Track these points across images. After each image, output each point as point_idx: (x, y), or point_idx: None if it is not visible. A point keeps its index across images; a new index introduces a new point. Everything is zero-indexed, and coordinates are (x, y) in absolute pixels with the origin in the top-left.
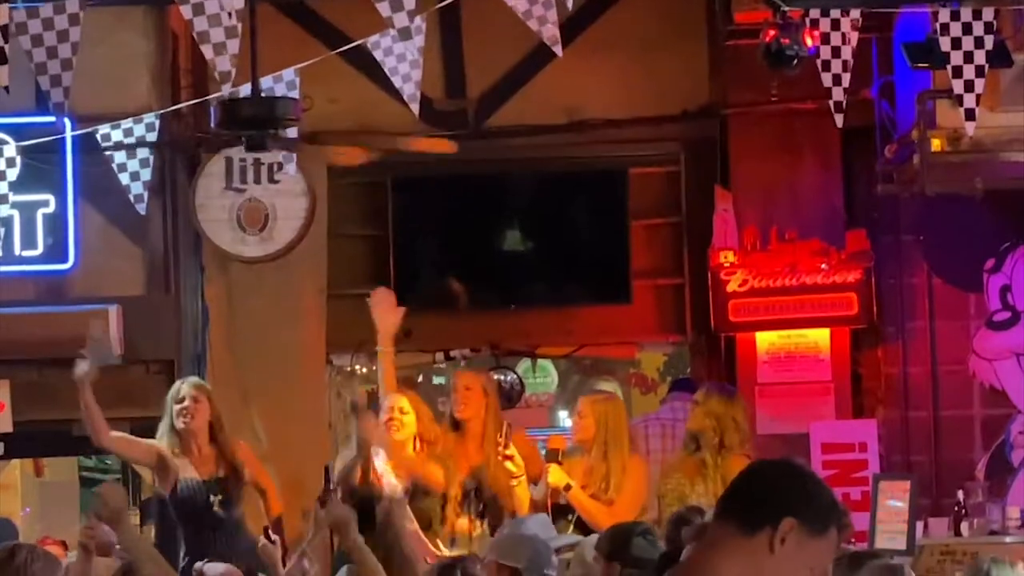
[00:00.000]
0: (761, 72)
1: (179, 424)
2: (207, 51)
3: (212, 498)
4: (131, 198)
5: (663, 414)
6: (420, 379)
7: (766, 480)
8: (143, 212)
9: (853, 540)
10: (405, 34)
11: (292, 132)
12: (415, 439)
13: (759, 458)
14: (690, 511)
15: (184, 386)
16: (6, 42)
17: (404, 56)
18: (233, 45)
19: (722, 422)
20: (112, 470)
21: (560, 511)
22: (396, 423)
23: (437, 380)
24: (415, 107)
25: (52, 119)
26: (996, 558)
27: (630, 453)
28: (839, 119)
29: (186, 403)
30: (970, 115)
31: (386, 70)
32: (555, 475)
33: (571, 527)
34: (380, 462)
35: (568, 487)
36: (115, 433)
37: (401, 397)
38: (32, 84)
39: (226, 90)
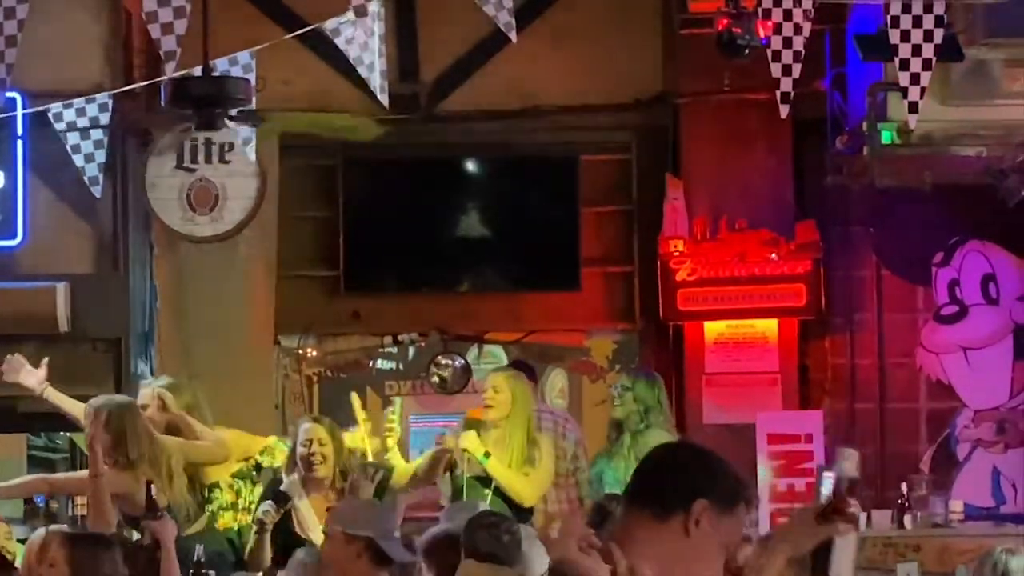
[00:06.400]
0: (714, 61)
1: None
2: (154, 30)
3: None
4: (86, 180)
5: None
6: (371, 364)
7: (672, 465)
8: (98, 195)
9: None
10: (361, 12)
11: (242, 111)
12: (335, 473)
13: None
14: (608, 499)
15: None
16: None
17: (367, 45)
18: (181, 25)
19: (649, 407)
20: (61, 449)
21: (481, 482)
22: (318, 457)
23: (385, 364)
24: (384, 98)
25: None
26: (1009, 548)
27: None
28: (784, 110)
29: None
30: (914, 108)
31: (351, 59)
32: (471, 442)
33: (489, 498)
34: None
35: (487, 454)
36: None
37: (318, 427)
38: None
39: (171, 69)
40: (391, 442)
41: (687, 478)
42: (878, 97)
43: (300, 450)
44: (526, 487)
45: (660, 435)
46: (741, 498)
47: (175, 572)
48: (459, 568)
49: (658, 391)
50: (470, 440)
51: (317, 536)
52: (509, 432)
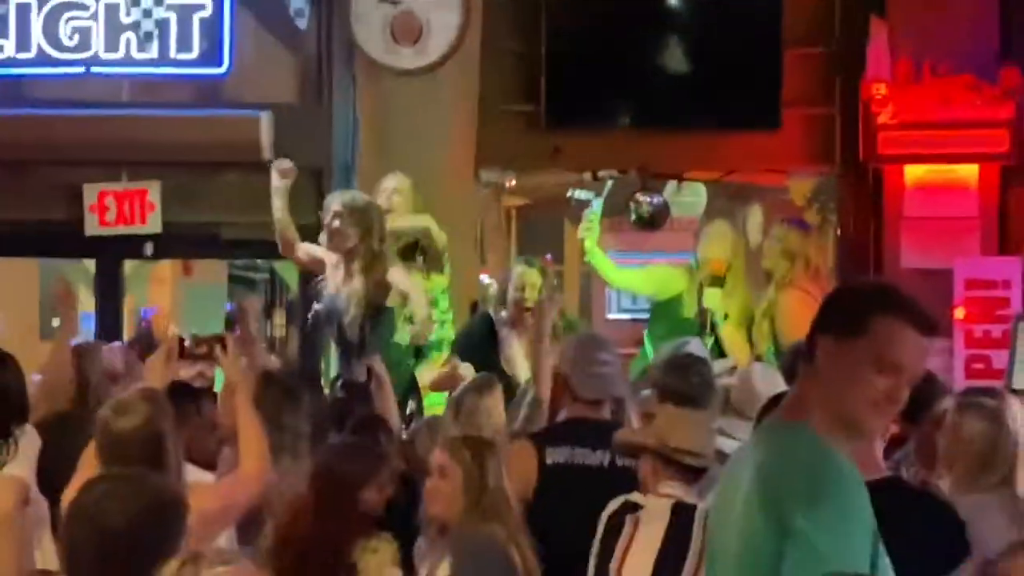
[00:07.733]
0: None
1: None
2: None
3: (345, 316)
4: (291, 12)
5: None
6: (570, 196)
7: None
8: (303, 26)
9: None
10: None
11: None
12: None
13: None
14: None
15: (333, 202)
16: None
17: None
18: None
19: (796, 259)
20: (263, 269)
21: None
22: (529, 302)
23: (582, 195)
24: None
25: None
26: None
27: None
28: None
29: (334, 224)
30: None
31: None
32: (714, 300)
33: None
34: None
35: (726, 316)
36: (302, 246)
37: (531, 271)
38: None
39: None
40: (589, 243)
41: (814, 322)
42: None
43: (513, 294)
44: (744, 352)
45: (791, 295)
46: (866, 319)
47: (391, 404)
48: (657, 412)
49: (808, 245)
50: (713, 298)
51: (522, 375)
52: (732, 286)
